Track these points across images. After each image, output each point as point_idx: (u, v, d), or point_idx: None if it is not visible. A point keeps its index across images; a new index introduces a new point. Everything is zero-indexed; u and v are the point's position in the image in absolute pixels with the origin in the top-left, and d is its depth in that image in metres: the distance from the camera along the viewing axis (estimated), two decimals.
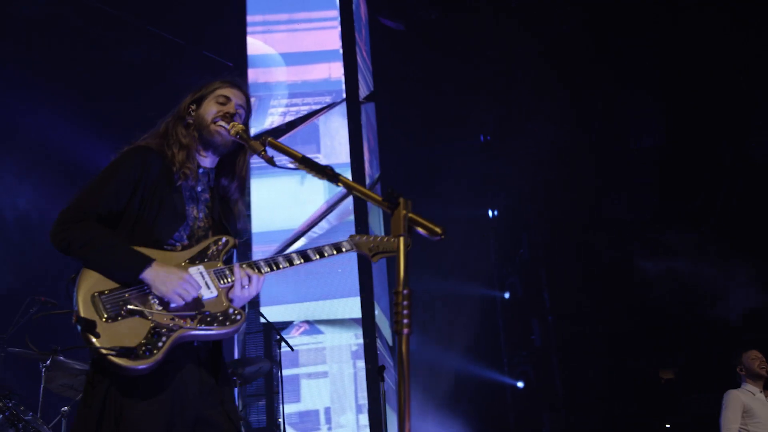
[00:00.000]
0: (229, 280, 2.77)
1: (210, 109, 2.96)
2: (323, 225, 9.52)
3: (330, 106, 9.96)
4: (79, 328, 2.50)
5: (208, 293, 2.71)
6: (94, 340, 2.48)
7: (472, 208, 11.87)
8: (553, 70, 11.13)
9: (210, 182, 3.02)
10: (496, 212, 12.23)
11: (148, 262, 2.62)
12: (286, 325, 9.22)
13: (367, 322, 8.91)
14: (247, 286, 2.77)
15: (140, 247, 2.68)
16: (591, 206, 11.35)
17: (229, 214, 3.04)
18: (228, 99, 2.99)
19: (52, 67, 9.87)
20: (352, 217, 9.38)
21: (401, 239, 2.26)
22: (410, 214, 2.29)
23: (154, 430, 2.51)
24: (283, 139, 9.66)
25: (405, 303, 2.19)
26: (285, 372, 8.96)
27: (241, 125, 2.85)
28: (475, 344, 10.99)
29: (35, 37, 9.96)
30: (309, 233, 9.48)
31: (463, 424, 10.48)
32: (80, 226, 2.65)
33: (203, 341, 2.73)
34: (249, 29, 10.32)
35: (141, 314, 2.56)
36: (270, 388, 8.94)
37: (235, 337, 9.27)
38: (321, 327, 9.18)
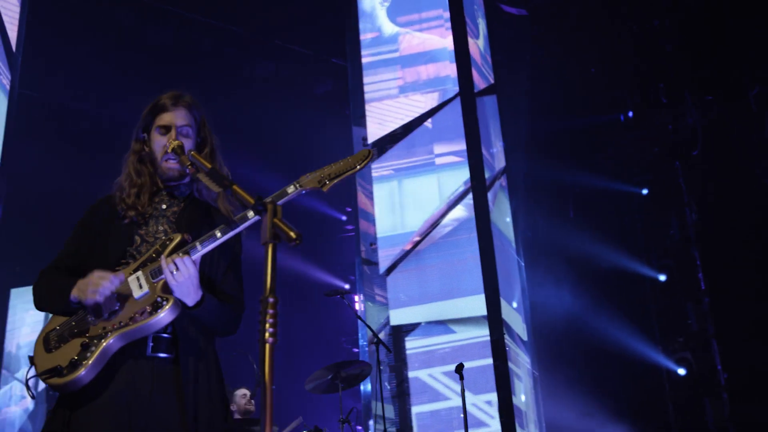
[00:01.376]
0: (166, 273, 2.80)
1: (156, 144, 3.04)
2: (445, 224, 9.50)
3: (445, 104, 9.93)
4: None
5: (140, 292, 2.78)
6: (35, 371, 2.74)
7: (618, 186, 11.35)
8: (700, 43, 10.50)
9: (182, 195, 3.09)
10: (644, 191, 11.62)
11: (73, 282, 2.79)
12: (414, 326, 9.27)
13: (493, 319, 8.78)
14: (175, 272, 2.73)
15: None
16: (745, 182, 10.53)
17: (215, 213, 3.08)
18: (168, 128, 3.04)
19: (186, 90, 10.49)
20: (472, 215, 9.30)
21: (270, 246, 2.24)
22: (275, 220, 2.27)
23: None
24: (401, 143, 9.84)
25: (271, 311, 2.18)
26: (415, 373, 9.05)
27: (186, 158, 2.88)
28: (627, 328, 10.51)
29: (165, 62, 10.60)
30: (432, 233, 9.50)
31: (617, 412, 10.06)
32: (37, 284, 2.96)
33: (163, 348, 2.81)
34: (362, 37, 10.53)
35: (78, 335, 2.75)
36: (402, 389, 9.02)
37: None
38: (447, 326, 9.15)
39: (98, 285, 2.72)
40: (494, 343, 8.69)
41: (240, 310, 3.08)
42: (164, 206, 3.05)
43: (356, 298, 9.94)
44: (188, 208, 3.06)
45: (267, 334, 2.14)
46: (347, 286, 10.50)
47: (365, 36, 10.54)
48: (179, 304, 2.76)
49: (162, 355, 2.80)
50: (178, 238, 2.87)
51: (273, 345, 2.16)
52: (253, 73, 11.71)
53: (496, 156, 10.29)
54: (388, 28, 10.52)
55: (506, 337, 8.86)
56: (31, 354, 2.78)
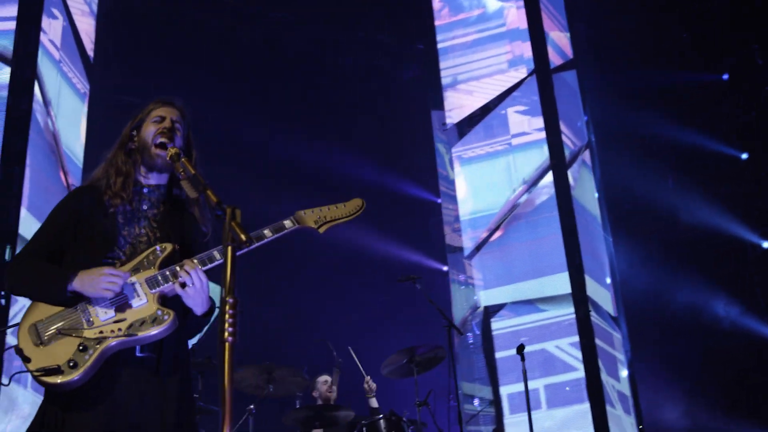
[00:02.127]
0: (161, 284, 2.91)
1: (149, 130, 3.15)
2: (527, 204, 9.45)
3: (521, 82, 9.85)
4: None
5: (138, 301, 2.87)
6: (27, 365, 2.80)
7: (717, 149, 10.88)
8: None
9: (161, 197, 3.18)
10: (744, 155, 11.11)
11: (72, 274, 2.85)
12: (500, 307, 9.28)
13: (578, 297, 8.70)
14: (190, 287, 2.87)
15: (81, 272, 2.89)
16: None
17: (191, 221, 3.17)
18: (163, 117, 3.17)
19: (282, 87, 10.81)
20: (553, 193, 9.21)
21: (229, 249, 2.37)
22: (233, 223, 2.39)
23: None
24: (480, 125, 9.82)
25: (231, 312, 2.30)
26: (503, 353, 9.06)
27: (175, 149, 2.99)
28: (728, 300, 10.12)
29: (259, 63, 10.91)
30: (515, 213, 9.47)
31: (723, 401, 9.71)
32: (17, 267, 3.03)
33: (149, 348, 2.90)
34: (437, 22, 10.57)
35: (70, 334, 2.82)
36: (490, 369, 9.07)
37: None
38: (534, 306, 9.12)
39: (113, 284, 2.82)
40: (580, 321, 8.61)
41: (214, 311, 3.11)
42: (145, 207, 3.13)
43: (457, 277, 9.96)
44: (169, 212, 3.16)
45: (226, 334, 2.26)
46: (445, 268, 10.54)
47: (442, 22, 10.59)
48: (177, 321, 2.87)
49: (146, 354, 2.91)
50: (169, 248, 2.99)
51: (232, 344, 2.28)
52: (342, 62, 11.83)
53: (578, 132, 10.12)
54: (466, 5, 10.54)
55: (593, 314, 8.75)
56: (15, 343, 2.83)
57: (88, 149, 8.58)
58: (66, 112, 8.26)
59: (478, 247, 9.58)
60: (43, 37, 7.67)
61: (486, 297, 9.41)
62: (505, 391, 8.96)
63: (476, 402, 9.25)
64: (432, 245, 10.58)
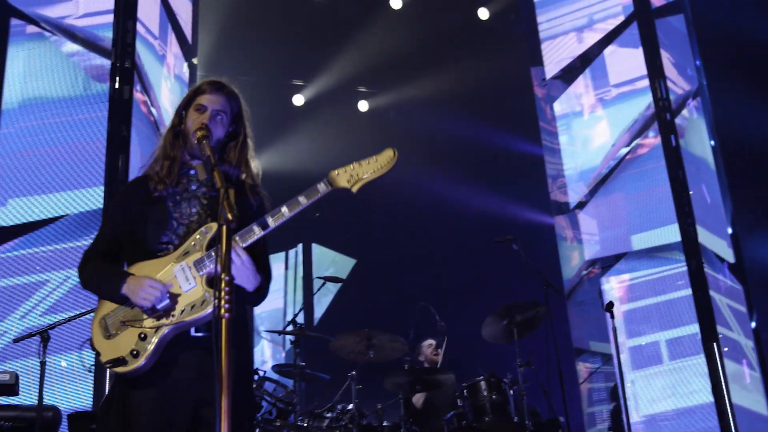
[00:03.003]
0: (207, 266, 3.02)
1: (190, 121, 3.22)
2: (632, 154, 9.18)
3: (621, 30, 9.52)
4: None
5: (187, 285, 3.02)
6: (99, 357, 3.06)
7: None
8: None
9: (208, 176, 3.22)
10: None
11: (123, 279, 3.03)
12: (610, 261, 9.09)
13: (689, 248, 8.40)
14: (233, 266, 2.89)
15: (137, 264, 3.10)
16: None
17: (242, 197, 3.22)
18: (204, 107, 3.22)
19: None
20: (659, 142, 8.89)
21: (224, 228, 2.48)
22: (224, 203, 2.49)
23: (152, 412, 2.95)
24: (581, 77, 9.55)
25: (227, 289, 2.42)
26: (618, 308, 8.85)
27: (202, 131, 3.09)
28: None
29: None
30: (621, 165, 9.22)
31: None
32: (85, 267, 3.22)
33: (203, 328, 3.05)
34: None
35: (133, 325, 3.02)
36: (604, 325, 8.92)
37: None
38: (644, 259, 8.88)
39: (150, 296, 2.96)
40: (692, 273, 8.33)
41: (269, 284, 3.23)
42: (194, 187, 3.23)
43: (564, 233, 9.82)
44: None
45: (222, 310, 2.38)
46: (551, 224, 10.38)
47: None
48: None
49: (201, 334, 3.06)
50: (214, 227, 3.07)
51: (228, 320, 2.39)
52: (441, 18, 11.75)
53: (687, 78, 9.68)
54: None
55: (706, 266, 8.43)
56: (91, 337, 3.09)
57: None
58: (165, 97, 8.62)
59: (584, 202, 9.40)
60: (139, 27, 8.00)
61: (595, 251, 9.23)
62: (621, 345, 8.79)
63: (590, 360, 9.12)
64: (536, 201, 10.44)
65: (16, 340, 5.59)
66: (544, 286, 6.93)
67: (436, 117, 10.79)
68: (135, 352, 2.98)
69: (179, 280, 3.03)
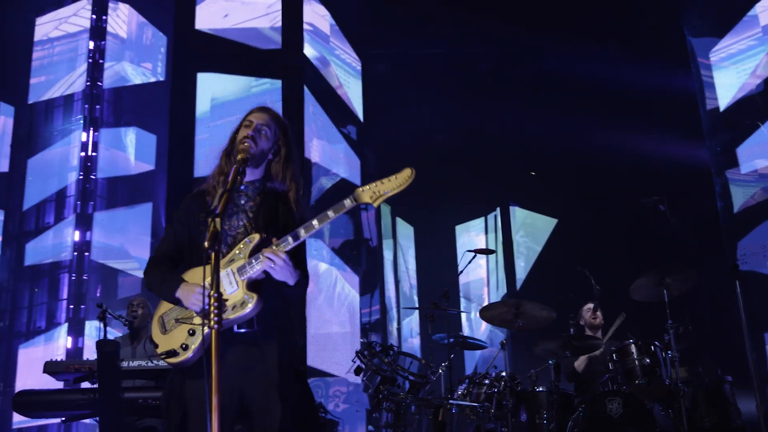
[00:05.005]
0: (249, 271, 3.51)
1: (240, 134, 3.76)
2: None
3: None
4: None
5: (231, 288, 3.50)
6: (156, 350, 3.62)
7: None
8: None
9: (256, 190, 3.76)
10: None
11: (177, 284, 3.56)
12: None
13: None
14: (273, 266, 3.47)
15: (191, 269, 3.64)
16: None
17: (285, 208, 3.73)
18: (251, 122, 3.76)
19: None
20: None
21: (212, 254, 2.99)
22: (209, 232, 3.01)
23: (202, 400, 3.29)
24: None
25: (216, 304, 2.95)
26: None
27: (242, 157, 3.59)
28: None
29: None
30: None
31: None
32: (149, 272, 3.78)
33: (245, 325, 3.56)
34: None
35: (185, 322, 3.58)
36: None
37: None
38: None
39: (199, 300, 3.46)
40: None
41: (306, 280, 3.71)
42: (242, 201, 3.73)
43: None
44: (263, 203, 3.72)
45: (212, 323, 2.91)
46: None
47: None
48: (261, 301, 3.49)
49: (244, 330, 3.58)
50: (257, 238, 3.58)
51: (218, 331, 2.92)
52: None
53: None
54: None
55: None
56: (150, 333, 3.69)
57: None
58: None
59: None
60: (307, 25, 8.67)
61: None
62: None
63: None
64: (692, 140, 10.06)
65: None
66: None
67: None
68: (185, 346, 3.52)
69: (224, 283, 3.53)
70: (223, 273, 3.56)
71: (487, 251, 7.89)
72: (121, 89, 12.28)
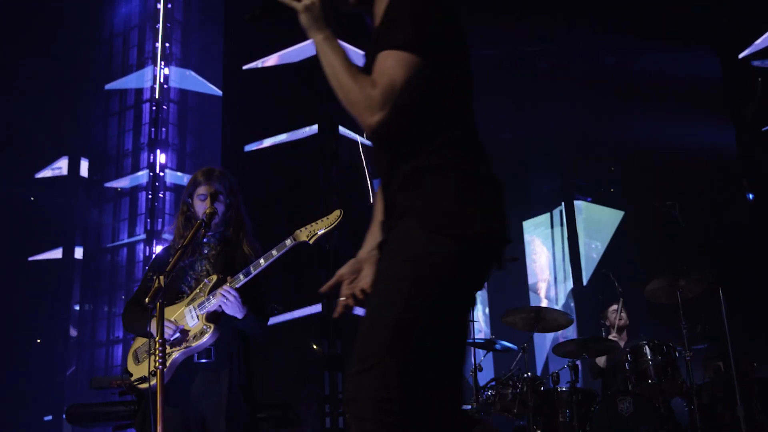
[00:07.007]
0: (207, 305, 4.13)
1: (197, 208, 4.34)
2: None
3: None
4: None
5: (192, 321, 4.13)
6: (130, 378, 4.27)
7: None
8: None
9: (216, 241, 4.40)
10: None
11: (149, 320, 4.11)
12: None
13: None
14: (225, 302, 4.09)
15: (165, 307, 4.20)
16: None
17: (241, 253, 4.35)
18: (205, 195, 4.33)
19: None
20: None
21: (158, 304, 3.61)
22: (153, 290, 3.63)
23: (173, 420, 4.03)
24: None
25: (160, 349, 3.57)
26: None
27: (208, 210, 4.22)
28: None
29: None
30: None
31: None
32: (125, 314, 4.47)
33: (204, 354, 4.18)
34: None
35: (153, 353, 4.02)
36: None
37: None
38: None
39: (168, 328, 4.08)
40: None
41: (264, 318, 4.38)
42: (206, 251, 4.37)
43: None
44: (222, 251, 4.37)
45: (157, 363, 3.54)
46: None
47: None
48: (217, 331, 4.12)
49: (204, 360, 4.22)
50: (215, 278, 4.22)
51: (162, 372, 3.54)
52: None
53: None
54: None
55: None
56: (125, 366, 4.35)
57: None
58: None
59: None
60: None
61: None
62: None
63: None
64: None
65: None
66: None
67: None
68: (154, 373, 4.10)
69: (187, 318, 4.21)
70: (186, 309, 4.25)
71: (510, 259, 8.23)
72: None
